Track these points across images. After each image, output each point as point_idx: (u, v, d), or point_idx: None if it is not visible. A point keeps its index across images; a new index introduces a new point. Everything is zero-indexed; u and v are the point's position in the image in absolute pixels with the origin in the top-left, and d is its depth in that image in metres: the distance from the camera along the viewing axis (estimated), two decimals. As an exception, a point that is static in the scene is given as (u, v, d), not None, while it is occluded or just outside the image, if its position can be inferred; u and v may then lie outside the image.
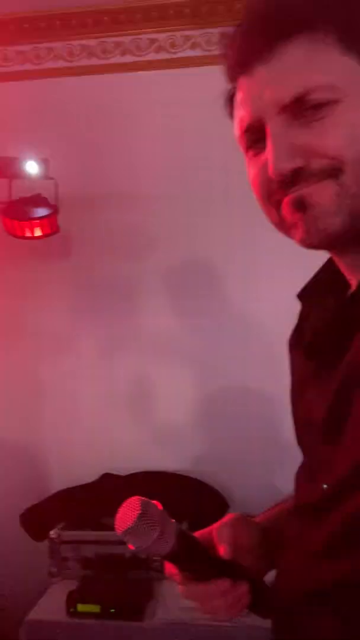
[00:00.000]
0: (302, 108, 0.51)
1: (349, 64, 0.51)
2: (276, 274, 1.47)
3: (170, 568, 0.59)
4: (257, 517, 0.71)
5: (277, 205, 0.55)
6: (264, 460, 1.74)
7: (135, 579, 1.49)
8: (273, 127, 0.52)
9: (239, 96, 0.56)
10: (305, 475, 0.59)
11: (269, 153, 0.52)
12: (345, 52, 0.51)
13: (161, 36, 1.91)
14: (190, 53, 1.89)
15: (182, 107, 1.81)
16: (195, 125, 1.76)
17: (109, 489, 1.71)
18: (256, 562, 0.62)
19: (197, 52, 1.88)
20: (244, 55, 0.54)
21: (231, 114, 0.59)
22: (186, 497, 1.66)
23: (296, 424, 0.64)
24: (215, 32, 1.83)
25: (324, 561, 0.51)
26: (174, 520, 0.55)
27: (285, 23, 0.52)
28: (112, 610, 1.36)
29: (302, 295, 0.66)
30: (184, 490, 1.72)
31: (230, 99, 0.59)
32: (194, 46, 1.89)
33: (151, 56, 1.92)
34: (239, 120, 0.56)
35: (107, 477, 1.77)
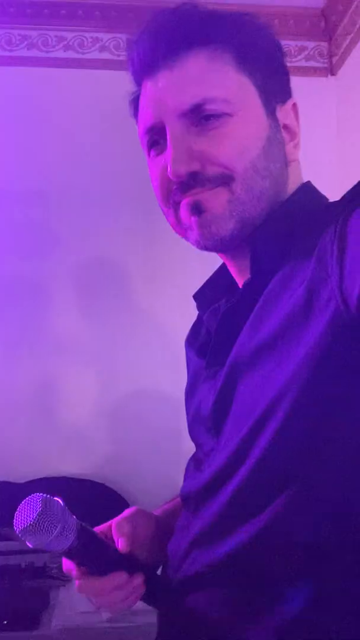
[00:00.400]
0: (200, 116, 0.55)
1: (243, 81, 0.56)
2: (184, 276, 1.51)
3: (67, 564, 0.59)
4: (156, 510, 0.74)
5: (175, 207, 0.58)
6: (168, 463, 1.77)
7: (31, 588, 1.45)
8: (172, 131, 0.55)
9: (143, 98, 0.59)
10: (193, 466, 0.63)
11: (168, 155, 0.55)
12: (240, 70, 0.56)
13: (69, 35, 1.89)
14: (98, 55, 1.89)
15: (88, 105, 1.81)
16: (102, 122, 1.76)
17: (5, 499, 1.65)
18: (152, 554, 0.65)
19: (106, 56, 1.88)
20: (149, 60, 0.57)
21: (135, 115, 0.62)
22: (88, 502, 1.64)
23: (188, 417, 0.68)
24: (124, 37, 1.85)
25: (199, 549, 0.55)
26: (74, 516, 0.55)
27: (186, 35, 0.56)
28: (5, 622, 1.31)
29: (198, 296, 0.70)
30: (85, 495, 1.70)
31: (135, 100, 0.61)
32: (102, 49, 1.89)
33: (59, 53, 1.89)
34: (141, 120, 0.59)
35: (3, 486, 1.71)
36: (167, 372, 1.76)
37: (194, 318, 0.74)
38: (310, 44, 1.96)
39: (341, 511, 0.47)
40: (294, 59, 1.95)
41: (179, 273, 1.73)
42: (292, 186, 0.60)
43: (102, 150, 1.82)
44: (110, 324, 1.83)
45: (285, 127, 0.60)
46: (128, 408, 1.84)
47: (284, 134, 0.60)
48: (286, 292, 0.51)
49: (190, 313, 0.75)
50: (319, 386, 0.46)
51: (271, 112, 0.58)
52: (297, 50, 1.96)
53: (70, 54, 1.89)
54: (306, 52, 1.97)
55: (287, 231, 0.56)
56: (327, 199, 0.60)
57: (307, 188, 0.61)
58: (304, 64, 1.96)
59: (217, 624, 0.52)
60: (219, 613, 0.52)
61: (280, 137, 0.59)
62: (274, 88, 0.59)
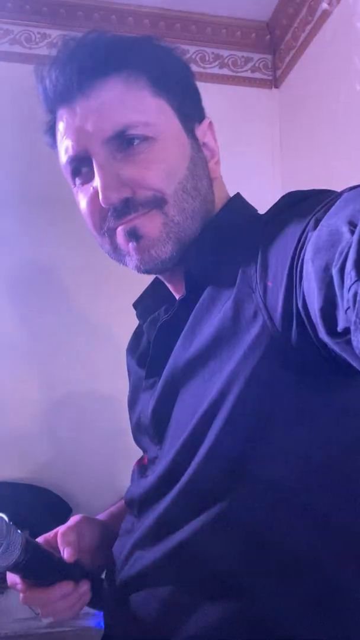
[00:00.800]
0: (124, 142, 0.55)
1: (160, 104, 0.57)
2: (124, 278, 1.51)
3: (12, 577, 0.59)
4: (101, 514, 0.74)
5: (110, 234, 0.58)
6: (110, 465, 1.76)
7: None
8: (99, 159, 0.55)
9: (60, 126, 0.58)
10: (138, 472, 0.64)
11: (97, 183, 0.55)
12: (156, 94, 0.57)
13: (16, 29, 1.84)
14: (45, 51, 1.86)
15: (32, 102, 1.77)
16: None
17: None
18: (98, 560, 0.66)
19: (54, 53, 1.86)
20: (63, 89, 0.57)
21: (52, 143, 0.62)
22: (28, 507, 1.60)
23: (132, 426, 0.69)
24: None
25: (141, 550, 0.56)
26: (20, 531, 0.55)
27: (99, 62, 0.56)
28: None
29: (138, 305, 0.71)
30: (25, 500, 1.66)
31: (51, 130, 0.61)
32: (50, 46, 1.86)
33: (4, 47, 1.84)
34: (64, 150, 0.59)
35: None
36: (108, 374, 1.75)
37: (135, 320, 0.75)
38: (256, 56, 2.02)
39: (277, 506, 0.49)
40: (240, 70, 2.00)
41: (120, 278, 1.72)
42: (218, 202, 0.62)
43: (44, 150, 1.79)
44: (51, 327, 1.80)
45: (205, 145, 0.61)
46: (69, 411, 1.81)
47: (205, 152, 0.61)
48: (216, 306, 0.53)
49: (130, 315, 0.75)
50: (251, 395, 0.48)
51: (191, 132, 0.60)
52: (243, 61, 2.01)
53: (16, 49, 1.84)
54: (251, 64, 2.02)
55: (216, 247, 0.57)
56: (256, 211, 0.62)
57: (235, 202, 0.63)
58: (249, 75, 2.01)
59: (158, 621, 0.53)
60: (160, 610, 0.53)
61: (202, 156, 0.60)
62: (190, 108, 0.61)
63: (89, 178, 0.57)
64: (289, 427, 0.48)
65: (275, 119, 2.00)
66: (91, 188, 0.57)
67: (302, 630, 0.48)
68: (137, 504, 0.59)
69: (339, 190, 0.43)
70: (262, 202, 0.64)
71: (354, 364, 0.35)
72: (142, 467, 0.63)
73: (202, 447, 0.50)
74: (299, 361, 0.45)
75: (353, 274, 0.32)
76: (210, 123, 0.63)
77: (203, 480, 0.51)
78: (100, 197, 0.55)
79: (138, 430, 0.65)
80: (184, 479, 0.52)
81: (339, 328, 0.35)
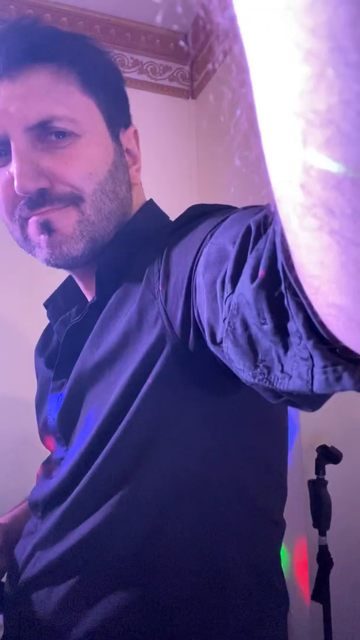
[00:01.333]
0: (47, 133, 0.54)
1: (88, 103, 0.57)
2: (33, 279, 1.47)
3: None
4: (3, 517, 0.73)
5: (22, 223, 0.57)
6: (17, 471, 1.71)
7: None
8: (18, 145, 0.54)
9: None
10: (43, 473, 0.64)
11: (14, 169, 0.54)
12: (84, 92, 0.57)
13: None
14: None
15: None
16: None
17: None
18: (0, 563, 0.64)
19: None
20: None
21: None
22: None
23: (39, 426, 0.68)
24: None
25: (41, 550, 0.56)
26: None
27: (31, 48, 0.55)
28: None
29: (49, 304, 0.70)
30: None
31: None
32: None
33: None
34: None
35: None
36: (16, 377, 1.69)
37: (44, 321, 0.74)
38: (174, 66, 2.07)
39: (174, 494, 0.51)
40: (158, 77, 2.03)
41: (29, 277, 1.68)
42: (135, 207, 0.63)
43: None
44: None
45: (128, 151, 0.62)
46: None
47: (127, 158, 0.62)
48: (122, 310, 0.54)
49: (41, 318, 0.74)
50: (152, 398, 0.50)
51: (115, 136, 0.60)
52: (162, 69, 2.05)
53: None
54: (170, 73, 2.07)
55: (128, 251, 0.58)
56: (167, 217, 0.64)
57: (148, 209, 0.64)
58: (167, 83, 2.05)
59: (57, 618, 0.53)
60: (58, 607, 0.53)
61: (124, 161, 0.61)
62: (117, 113, 0.61)
63: (6, 162, 0.55)
64: (187, 424, 0.51)
65: (192, 128, 2.06)
66: (7, 172, 0.55)
67: (198, 616, 0.50)
68: (42, 506, 0.59)
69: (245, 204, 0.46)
70: (180, 209, 0.66)
71: (232, 368, 0.37)
72: (48, 468, 0.63)
73: (106, 446, 0.51)
74: (197, 366, 0.48)
75: (228, 287, 0.34)
76: (136, 131, 0.64)
77: (105, 474, 0.52)
78: (16, 183, 0.53)
79: (45, 431, 0.65)
80: (85, 477, 0.52)
81: (218, 337, 0.38)
